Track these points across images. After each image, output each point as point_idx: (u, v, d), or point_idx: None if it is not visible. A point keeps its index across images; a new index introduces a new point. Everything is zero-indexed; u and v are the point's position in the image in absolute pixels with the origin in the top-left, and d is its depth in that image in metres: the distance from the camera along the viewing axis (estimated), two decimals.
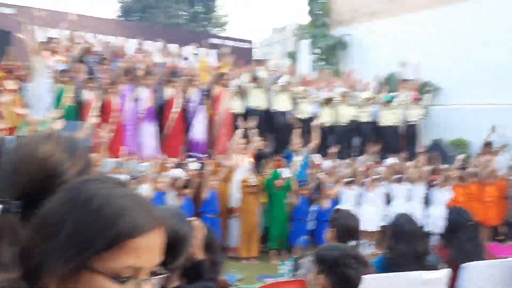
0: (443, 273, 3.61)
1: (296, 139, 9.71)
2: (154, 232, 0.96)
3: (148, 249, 0.95)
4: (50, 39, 9.05)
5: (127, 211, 0.93)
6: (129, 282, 0.92)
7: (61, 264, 0.90)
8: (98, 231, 0.90)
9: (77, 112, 8.91)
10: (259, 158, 9.30)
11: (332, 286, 2.35)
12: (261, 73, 10.52)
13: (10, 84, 9.73)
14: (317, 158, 10.05)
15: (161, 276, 1.00)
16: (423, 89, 13.47)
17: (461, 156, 10.72)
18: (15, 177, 1.18)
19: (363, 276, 2.41)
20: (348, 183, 9.13)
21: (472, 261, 3.83)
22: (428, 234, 9.11)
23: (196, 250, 2.21)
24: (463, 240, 4.01)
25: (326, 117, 11.02)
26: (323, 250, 2.58)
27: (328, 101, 11.02)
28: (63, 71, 8.75)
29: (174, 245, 1.87)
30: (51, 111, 8.38)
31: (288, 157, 9.77)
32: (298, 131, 9.88)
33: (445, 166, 10.42)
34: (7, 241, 1.13)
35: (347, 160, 10.72)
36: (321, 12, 18.80)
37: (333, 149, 10.19)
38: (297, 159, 9.47)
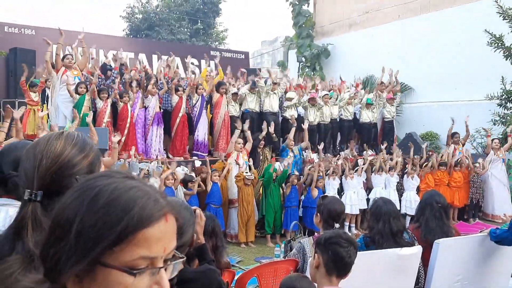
0: (417, 249, 3.63)
1: (290, 137, 9.76)
2: (162, 220, 0.87)
3: (158, 238, 0.86)
4: (65, 56, 9.03)
5: (133, 203, 0.85)
6: (144, 272, 0.84)
7: (74, 262, 0.83)
8: (106, 227, 0.82)
9: (92, 119, 8.90)
10: (251, 151, 9.32)
11: (325, 263, 2.31)
12: (260, 82, 10.58)
13: (35, 97, 9.75)
14: (309, 153, 10.10)
15: (177, 260, 0.92)
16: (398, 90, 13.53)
17: (424, 145, 10.82)
18: (37, 171, 1.22)
19: (353, 256, 2.36)
20: (333, 174, 9.16)
21: (436, 238, 3.85)
22: (403, 216, 9.19)
23: (199, 235, 2.21)
24: (428, 218, 4.03)
25: (312, 117, 11.05)
26: (320, 235, 2.55)
27: (313, 103, 11.05)
28: (79, 83, 8.75)
29: (179, 228, 1.89)
30: (69, 119, 8.37)
31: (283, 153, 9.82)
32: (292, 130, 9.92)
33: (416, 156, 10.48)
34: (31, 227, 1.15)
35: (332, 154, 10.76)
36: (305, 25, 18.84)
37: (320, 145, 10.24)
38: (291, 155, 9.52)
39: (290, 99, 10.82)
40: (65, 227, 0.85)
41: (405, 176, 9.90)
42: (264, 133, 9.55)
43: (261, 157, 9.60)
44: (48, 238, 0.88)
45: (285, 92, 11.03)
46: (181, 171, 8.32)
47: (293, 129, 10.02)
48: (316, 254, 2.37)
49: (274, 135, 9.93)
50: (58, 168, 1.23)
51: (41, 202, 1.18)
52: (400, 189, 9.90)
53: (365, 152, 10.86)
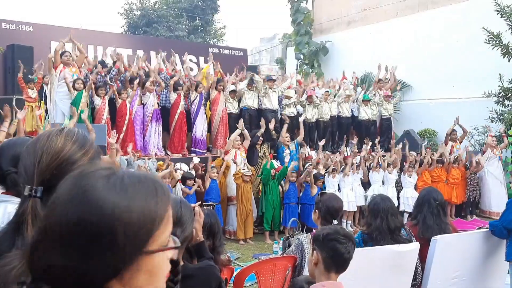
0: (414, 246, 3.64)
1: (282, 134, 9.76)
2: None
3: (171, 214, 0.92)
4: (64, 52, 9.02)
5: (153, 187, 0.87)
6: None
7: (122, 264, 0.81)
8: (148, 219, 0.83)
9: (90, 116, 8.90)
10: (249, 148, 9.31)
11: (324, 259, 2.30)
12: (257, 78, 10.59)
13: (32, 93, 9.73)
14: (306, 150, 10.11)
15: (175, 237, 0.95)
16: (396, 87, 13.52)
17: (423, 143, 10.88)
18: (37, 167, 1.22)
19: (352, 251, 2.35)
20: (332, 171, 9.15)
21: (434, 235, 3.85)
22: (401, 213, 9.21)
23: (198, 232, 2.21)
24: (426, 215, 4.03)
25: (310, 115, 11.07)
26: (318, 231, 2.52)
27: (310, 101, 11.08)
28: (77, 79, 8.74)
29: (181, 224, 1.90)
30: (67, 116, 8.36)
31: (278, 150, 9.82)
32: (286, 126, 9.95)
33: (414, 153, 10.50)
34: (31, 223, 1.16)
35: (331, 151, 10.77)
36: (303, 22, 18.83)
37: (319, 142, 10.26)
38: (287, 152, 9.53)
39: (288, 97, 10.83)
40: (101, 235, 0.79)
41: (402, 173, 9.92)
42: (262, 130, 9.55)
43: (259, 154, 9.60)
44: (70, 254, 0.80)
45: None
46: (181, 170, 8.31)
47: (285, 126, 10.01)
48: (314, 251, 2.36)
49: (274, 131, 9.93)
50: (58, 165, 1.24)
51: (41, 198, 1.18)
52: (397, 186, 9.92)
53: (363, 146, 10.88)
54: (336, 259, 2.30)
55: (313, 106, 11.13)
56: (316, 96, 11.18)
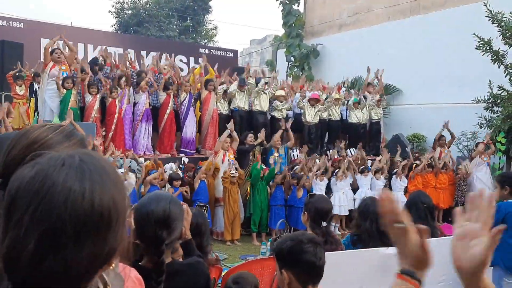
0: None
1: (274, 138, 9.76)
2: None
3: None
4: (54, 50, 8.96)
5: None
6: None
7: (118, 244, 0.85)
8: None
9: (80, 113, 8.85)
10: (242, 153, 9.31)
11: (297, 276, 2.02)
12: (249, 80, 10.61)
13: (20, 90, 9.64)
14: (295, 153, 10.12)
15: None
16: (385, 91, 13.59)
17: (412, 148, 10.94)
18: (3, 158, 1.15)
19: (323, 256, 2.10)
20: (321, 174, 9.17)
21: None
22: None
23: (186, 231, 2.21)
24: (414, 219, 4.03)
25: (310, 117, 11.10)
26: (278, 245, 2.16)
27: (312, 104, 11.12)
28: (66, 78, 8.68)
29: (169, 223, 1.89)
30: (56, 114, 8.32)
31: (268, 152, 9.81)
32: (279, 132, 9.92)
33: (403, 158, 10.56)
34: None
35: (319, 154, 10.80)
36: (295, 24, 18.87)
37: (308, 145, 10.29)
38: (276, 154, 9.54)
39: (279, 97, 10.82)
40: (103, 219, 0.80)
41: (394, 176, 9.96)
42: (259, 140, 9.55)
43: (250, 157, 9.58)
44: (79, 241, 0.78)
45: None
46: (169, 169, 8.29)
47: (280, 131, 9.98)
48: (283, 271, 2.06)
49: (265, 142, 9.88)
50: (34, 151, 1.09)
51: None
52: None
53: (355, 150, 10.93)
54: (310, 272, 2.05)
55: (314, 108, 11.17)
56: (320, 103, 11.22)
